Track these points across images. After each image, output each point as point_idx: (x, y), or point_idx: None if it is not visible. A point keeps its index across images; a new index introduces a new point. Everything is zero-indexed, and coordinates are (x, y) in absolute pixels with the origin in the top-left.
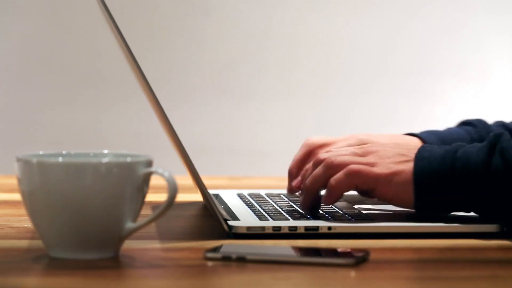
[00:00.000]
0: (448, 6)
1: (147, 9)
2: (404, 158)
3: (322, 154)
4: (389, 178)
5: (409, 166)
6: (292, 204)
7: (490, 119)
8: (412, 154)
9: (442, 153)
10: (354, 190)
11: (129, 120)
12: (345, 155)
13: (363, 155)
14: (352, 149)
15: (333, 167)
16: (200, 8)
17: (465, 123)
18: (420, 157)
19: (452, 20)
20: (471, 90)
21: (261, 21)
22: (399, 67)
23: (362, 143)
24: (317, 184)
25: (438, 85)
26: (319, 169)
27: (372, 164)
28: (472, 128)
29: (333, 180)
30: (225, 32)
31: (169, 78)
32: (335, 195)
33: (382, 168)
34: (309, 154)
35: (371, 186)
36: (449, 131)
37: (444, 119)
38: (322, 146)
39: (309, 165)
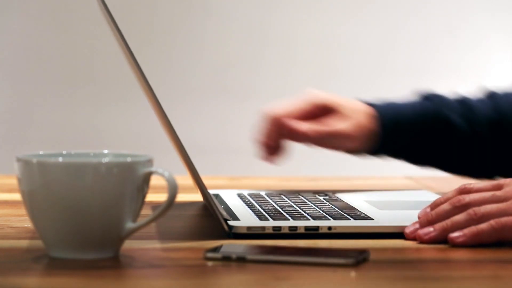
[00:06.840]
0: (448, 6)
1: (147, 9)
2: None
3: (464, 197)
4: None
5: None
6: (292, 204)
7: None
8: None
9: None
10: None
11: (129, 120)
12: (488, 201)
13: (505, 199)
14: (494, 192)
15: (477, 219)
16: (199, 8)
17: (425, 98)
18: None
19: (451, 19)
20: (470, 90)
21: (261, 20)
22: (398, 67)
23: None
24: (456, 229)
25: (437, 84)
26: (461, 217)
27: None
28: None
29: (477, 229)
30: (225, 32)
31: (169, 78)
32: (472, 242)
33: None
34: None
35: None
36: (406, 106)
37: None
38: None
39: (445, 205)
